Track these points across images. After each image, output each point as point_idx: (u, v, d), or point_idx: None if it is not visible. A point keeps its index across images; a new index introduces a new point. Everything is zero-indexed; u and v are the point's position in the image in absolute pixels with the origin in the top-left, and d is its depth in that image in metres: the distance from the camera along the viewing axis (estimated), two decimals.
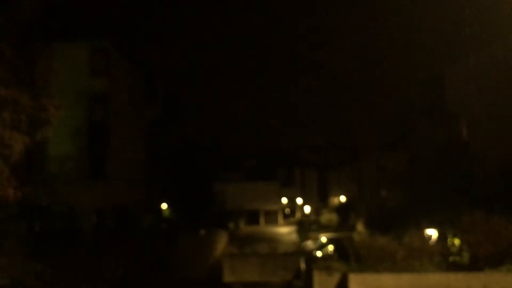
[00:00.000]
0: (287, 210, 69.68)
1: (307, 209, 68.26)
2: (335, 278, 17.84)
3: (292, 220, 65.15)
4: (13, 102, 14.33)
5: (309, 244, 38.81)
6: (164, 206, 36.51)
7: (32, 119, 15.23)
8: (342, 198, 61.17)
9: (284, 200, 68.31)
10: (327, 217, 53.84)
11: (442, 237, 20.06)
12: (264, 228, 61.44)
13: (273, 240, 45.80)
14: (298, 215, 68.32)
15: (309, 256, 27.51)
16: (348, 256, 20.40)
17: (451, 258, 18.13)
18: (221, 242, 41.19)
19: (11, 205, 15.71)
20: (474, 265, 17.38)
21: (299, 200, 69.04)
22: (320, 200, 71.02)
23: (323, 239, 37.58)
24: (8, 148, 14.13)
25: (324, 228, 47.35)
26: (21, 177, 15.44)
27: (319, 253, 28.89)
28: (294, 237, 47.88)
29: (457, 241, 18.74)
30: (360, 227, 37.97)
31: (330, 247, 32.76)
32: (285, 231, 55.72)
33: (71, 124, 25.85)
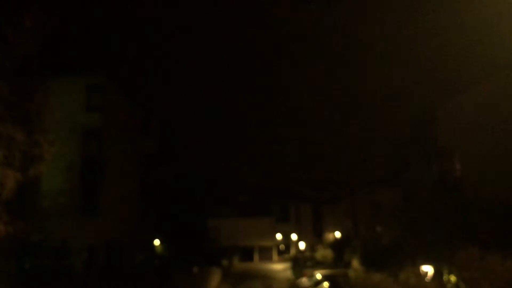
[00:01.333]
0: (282, 246, 68.90)
1: (302, 245, 67.49)
2: None
3: (286, 257, 64.36)
4: (7, 138, 14.35)
5: (304, 281, 38.28)
6: (156, 242, 36.07)
7: (25, 155, 15.22)
8: (337, 234, 60.67)
9: (279, 236, 67.64)
10: (322, 253, 53.28)
11: (438, 273, 19.87)
12: (258, 264, 60.64)
13: (267, 277, 45.17)
14: (292, 251, 67.57)
15: None
16: None
17: None
18: (215, 280, 40.52)
19: (1, 240, 15.51)
20: None
21: (294, 236, 68.36)
22: (315, 236, 70.36)
23: (318, 276, 37.11)
24: (0, 185, 14.04)
25: (319, 265, 46.86)
26: (13, 213, 15.29)
27: None
28: (288, 273, 47.23)
29: (453, 278, 18.56)
30: (355, 263, 37.53)
31: (325, 284, 32.33)
32: (279, 267, 55.01)
33: (64, 159, 25.78)
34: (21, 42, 14.90)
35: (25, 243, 23.02)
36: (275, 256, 66.28)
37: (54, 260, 23.55)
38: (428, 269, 20.85)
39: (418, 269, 20.69)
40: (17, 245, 21.20)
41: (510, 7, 20.56)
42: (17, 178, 14.53)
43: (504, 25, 21.48)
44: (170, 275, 31.05)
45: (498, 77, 24.52)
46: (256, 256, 64.83)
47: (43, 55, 17.52)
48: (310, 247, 65.93)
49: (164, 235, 36.16)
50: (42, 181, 25.58)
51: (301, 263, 50.45)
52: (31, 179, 16.13)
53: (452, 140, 28.57)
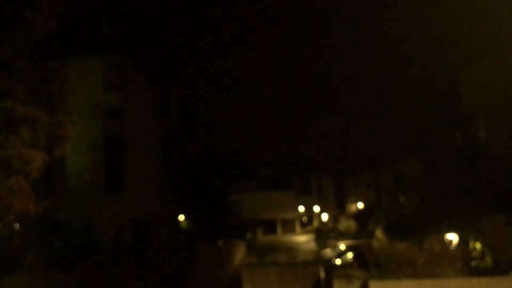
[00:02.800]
0: (305, 219, 69.29)
1: (324, 217, 67.82)
2: (355, 285, 17.66)
3: (309, 229, 64.78)
4: (31, 119, 14.58)
5: (328, 252, 38.50)
6: (181, 217, 36.59)
7: (50, 135, 15.46)
8: (360, 205, 60.78)
9: (301, 209, 67.92)
10: (345, 224, 53.44)
11: (463, 241, 19.77)
12: (281, 237, 61.15)
13: (291, 249, 45.53)
14: (315, 223, 67.94)
15: (328, 265, 27.24)
16: (367, 263, 20.20)
17: (473, 263, 17.82)
18: (239, 252, 41.10)
19: (32, 219, 15.93)
20: (497, 269, 17.06)
21: (316, 208, 68.63)
22: (337, 208, 70.54)
23: (342, 246, 37.26)
24: (28, 165, 14.34)
25: (342, 236, 46.99)
26: (41, 192, 15.65)
27: (338, 261, 28.61)
28: (312, 245, 47.55)
29: (478, 246, 18.44)
30: (379, 233, 37.58)
31: (349, 255, 32.45)
32: (303, 239, 55.40)
33: (87, 139, 26.14)
34: (40, 23, 14.94)
35: (54, 221, 23.59)
36: (298, 228, 66.75)
37: (83, 238, 24.11)
38: (452, 237, 20.78)
39: (443, 237, 20.61)
40: (47, 224, 21.73)
41: None
42: (43, 158, 14.80)
43: None
44: (195, 249, 31.56)
45: None
46: (279, 229, 65.36)
47: (62, 35, 17.63)
48: (333, 218, 66.21)
49: (188, 210, 36.63)
50: (67, 161, 26.01)
51: (324, 235, 50.75)
52: (56, 159, 16.41)
53: (475, 106, 28.06)
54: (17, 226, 16.77)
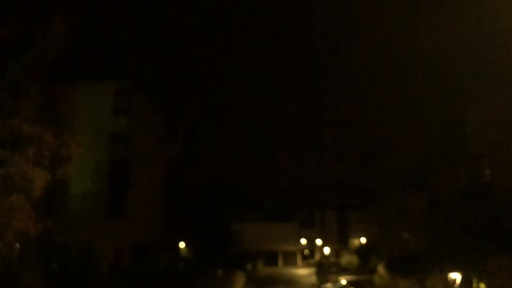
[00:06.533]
0: (306, 251, 68.45)
1: (326, 250, 66.93)
2: None
3: (311, 262, 63.89)
4: (37, 139, 14.62)
5: (329, 287, 37.95)
6: (181, 245, 36.25)
7: (54, 155, 15.49)
8: (363, 240, 60.02)
9: (303, 241, 67.21)
10: (347, 259, 52.73)
11: (466, 281, 19.42)
12: (282, 269, 60.34)
13: (291, 282, 44.90)
14: (317, 256, 67.06)
15: None
16: None
17: None
18: (239, 283, 40.48)
19: (31, 240, 15.80)
20: None
21: (319, 241, 67.85)
22: (340, 242, 69.70)
23: (343, 281, 36.73)
24: (30, 183, 14.32)
25: (344, 271, 46.36)
26: (42, 212, 15.57)
27: None
28: (313, 279, 46.86)
29: (482, 286, 18.12)
30: (381, 270, 37.01)
31: None
32: (304, 272, 54.64)
33: (92, 162, 26.19)
34: (52, 46, 15.15)
35: (52, 243, 23.42)
36: (299, 261, 65.88)
37: (81, 262, 23.86)
38: (456, 277, 20.39)
39: (446, 276, 20.25)
40: (45, 245, 21.55)
41: None
42: (46, 177, 14.78)
43: None
44: (194, 278, 31.15)
45: None
46: (280, 261, 64.55)
47: (73, 58, 17.87)
48: (335, 252, 65.36)
49: (189, 238, 36.33)
50: (70, 183, 25.99)
51: (325, 269, 50.06)
52: (59, 180, 16.39)
53: (481, 145, 27.95)
54: (17, 246, 16.64)
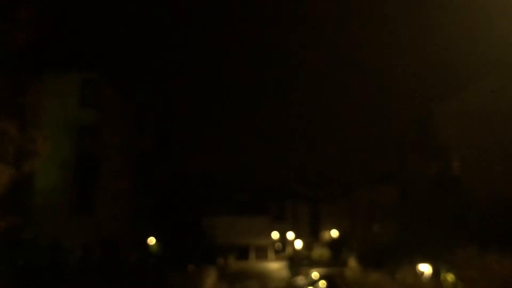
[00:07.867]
0: (278, 245, 68.68)
1: (298, 244, 67.33)
2: None
3: (283, 255, 64.18)
4: (1, 133, 14.11)
5: (300, 280, 38.16)
6: (152, 240, 35.81)
7: (19, 150, 14.98)
8: (334, 233, 60.63)
9: (275, 235, 67.39)
10: (319, 252, 53.18)
11: (435, 272, 19.74)
12: (254, 263, 60.43)
13: (263, 276, 44.99)
14: (289, 250, 67.39)
15: None
16: None
17: None
18: (210, 278, 40.29)
19: None
20: None
21: (290, 235, 68.18)
22: (312, 235, 70.15)
23: (315, 274, 36.98)
24: None
25: (315, 264, 46.73)
26: (6, 209, 15.08)
27: None
28: (285, 273, 47.09)
29: (450, 277, 18.43)
30: (352, 262, 37.41)
31: (322, 283, 32.19)
32: (276, 266, 54.84)
33: (59, 156, 25.49)
34: (15, 36, 14.62)
35: (18, 239, 22.78)
36: (271, 255, 66.07)
37: (48, 257, 23.29)
38: (425, 268, 20.74)
39: (415, 268, 20.56)
40: (10, 241, 20.94)
41: (510, 6, 20.43)
42: (11, 173, 14.29)
43: (504, 23, 21.35)
44: (165, 274, 30.82)
45: (497, 75, 24.41)
46: (252, 255, 64.60)
47: (38, 49, 17.29)
48: (307, 246, 65.79)
49: (160, 233, 35.92)
50: (36, 178, 25.32)
51: (297, 262, 50.35)
52: (25, 175, 15.90)
53: (450, 139, 28.44)
54: None
